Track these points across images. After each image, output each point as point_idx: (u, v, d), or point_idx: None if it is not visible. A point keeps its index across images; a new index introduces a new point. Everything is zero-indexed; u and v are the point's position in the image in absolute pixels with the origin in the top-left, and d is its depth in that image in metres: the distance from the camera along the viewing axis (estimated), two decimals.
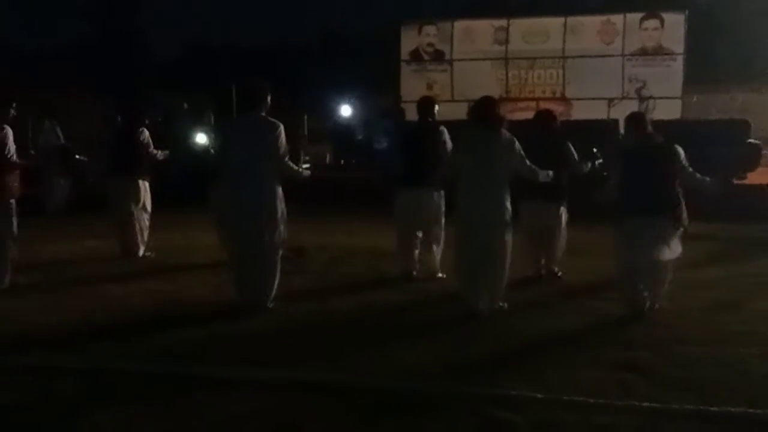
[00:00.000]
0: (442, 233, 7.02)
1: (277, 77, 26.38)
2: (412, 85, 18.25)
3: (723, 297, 6.47)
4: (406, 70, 18.50)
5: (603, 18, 17.43)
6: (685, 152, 6.66)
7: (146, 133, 8.44)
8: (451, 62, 18.13)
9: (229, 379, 4.45)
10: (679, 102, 16.64)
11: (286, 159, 6.00)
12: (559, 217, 7.09)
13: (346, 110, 21.79)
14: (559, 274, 7.26)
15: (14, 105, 6.73)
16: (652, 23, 16.96)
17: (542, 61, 17.61)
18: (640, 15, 17.08)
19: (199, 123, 11.62)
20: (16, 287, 6.75)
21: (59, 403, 4.21)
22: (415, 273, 7.09)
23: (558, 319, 5.78)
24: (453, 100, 17.22)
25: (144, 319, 5.82)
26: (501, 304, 5.91)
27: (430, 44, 18.39)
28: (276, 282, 6.01)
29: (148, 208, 8.44)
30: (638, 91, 17.00)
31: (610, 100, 16.75)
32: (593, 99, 16.29)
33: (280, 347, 5.10)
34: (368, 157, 13.49)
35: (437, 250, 7.10)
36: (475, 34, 18.13)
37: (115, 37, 22.05)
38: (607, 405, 4.06)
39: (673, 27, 16.84)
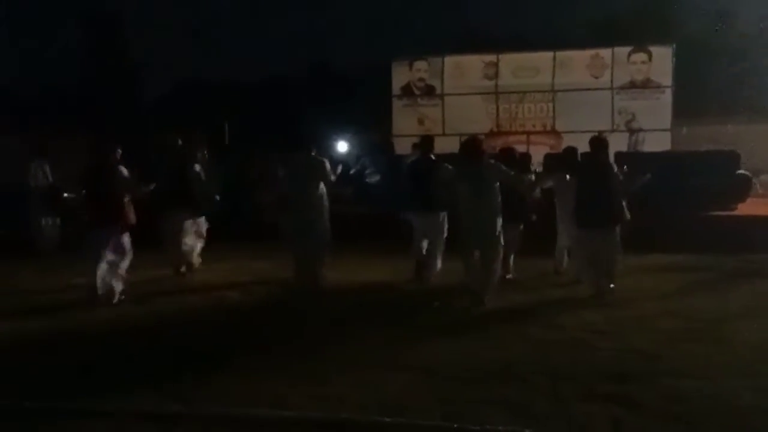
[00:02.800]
0: (443, 245, 8.69)
1: (271, 113, 26.61)
2: (403, 120, 18.41)
3: (713, 327, 6.47)
4: (397, 105, 18.63)
5: (592, 52, 17.61)
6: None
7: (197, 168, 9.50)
8: (442, 97, 18.27)
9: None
10: (668, 134, 16.75)
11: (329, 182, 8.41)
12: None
13: (342, 146, 21.92)
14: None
15: None
16: (640, 57, 17.13)
17: (532, 95, 17.74)
18: (628, 49, 17.26)
19: (194, 159, 11.58)
20: None
21: None
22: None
23: (548, 351, 5.77)
24: (444, 134, 17.32)
25: None
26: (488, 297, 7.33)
27: (421, 79, 18.55)
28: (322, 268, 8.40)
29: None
30: (628, 123, 17.12)
31: (600, 133, 16.75)
32: (583, 132, 16.31)
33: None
34: (360, 189, 13.55)
35: (440, 256, 8.73)
36: (465, 69, 18.30)
37: (105, 77, 22.21)
38: None
39: (661, 60, 17.02)
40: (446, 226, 8.68)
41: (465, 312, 7.24)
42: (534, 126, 17.69)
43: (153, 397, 4.82)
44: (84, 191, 8.15)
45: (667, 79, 16.93)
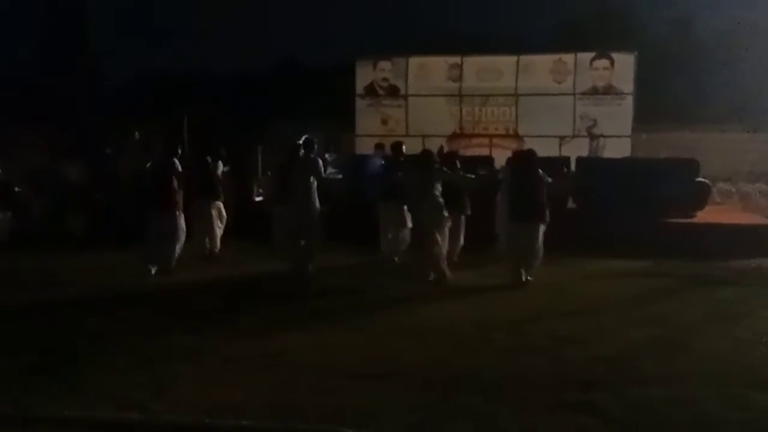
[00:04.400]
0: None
1: (232, 107, 26.15)
2: (367, 120, 18.25)
3: (675, 335, 6.45)
4: (361, 105, 18.44)
5: (555, 57, 17.62)
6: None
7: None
8: (405, 97, 18.14)
9: None
10: (628, 140, 16.85)
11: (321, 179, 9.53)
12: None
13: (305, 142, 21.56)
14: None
15: None
16: (603, 63, 17.21)
17: (495, 98, 17.69)
18: (591, 54, 17.31)
19: (150, 153, 11.62)
20: None
21: None
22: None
23: (514, 358, 5.66)
24: (408, 135, 17.19)
25: None
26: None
27: (384, 79, 18.38)
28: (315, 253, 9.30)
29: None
30: (589, 129, 17.18)
31: (562, 138, 16.90)
32: (545, 137, 16.39)
33: None
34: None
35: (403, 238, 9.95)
36: (429, 70, 18.19)
37: (62, 67, 21.59)
38: None
39: (623, 67, 17.10)
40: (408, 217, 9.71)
41: (430, 315, 7.13)
42: (497, 129, 17.64)
43: None
44: (153, 180, 9.50)
45: (628, 86, 17.01)
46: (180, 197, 9.47)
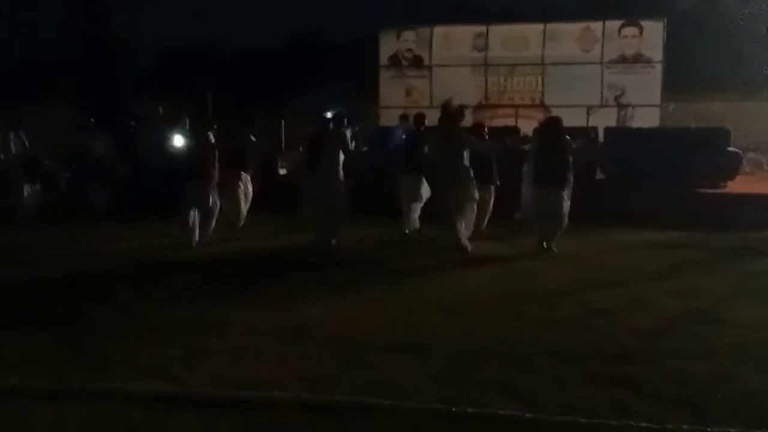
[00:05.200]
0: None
1: (255, 82, 26.06)
2: (390, 91, 18.14)
3: (710, 306, 6.32)
4: (384, 76, 18.33)
5: (582, 25, 17.34)
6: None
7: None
8: (430, 68, 17.99)
9: None
10: (657, 110, 16.63)
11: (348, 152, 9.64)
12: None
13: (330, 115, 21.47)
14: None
15: None
16: (631, 31, 16.90)
17: (521, 67, 17.52)
18: (619, 22, 17.02)
19: (176, 128, 11.71)
20: None
21: None
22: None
23: (546, 331, 5.57)
24: (432, 106, 16.97)
25: None
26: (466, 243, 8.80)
27: (409, 50, 18.23)
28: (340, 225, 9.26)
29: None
30: (617, 98, 16.96)
31: (589, 108, 16.67)
32: (572, 106, 16.16)
33: None
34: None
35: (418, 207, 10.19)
36: (454, 40, 18.00)
37: (87, 46, 21.60)
38: (601, 425, 3.85)
39: (652, 35, 16.80)
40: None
41: (458, 288, 7.05)
42: (523, 99, 17.51)
43: None
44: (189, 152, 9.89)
45: (657, 54, 16.74)
46: (215, 170, 9.63)
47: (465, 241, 8.82)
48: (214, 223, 9.75)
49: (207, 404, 4.17)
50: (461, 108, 9.38)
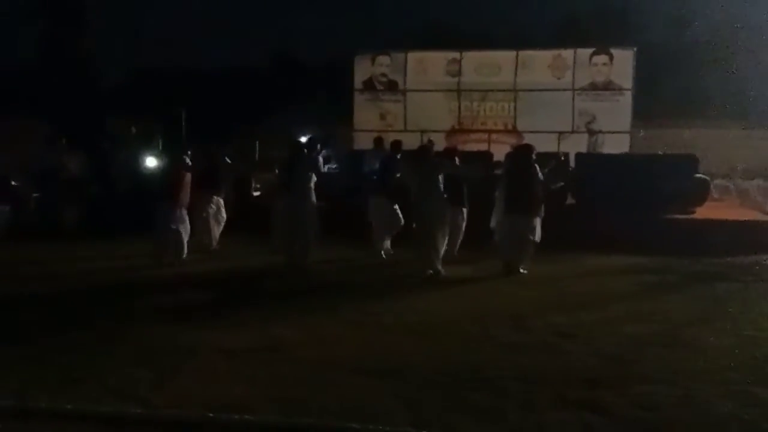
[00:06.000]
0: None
1: (230, 102, 26.05)
2: (365, 115, 18.20)
3: (677, 331, 6.39)
4: (359, 100, 18.39)
5: (554, 52, 17.59)
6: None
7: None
8: (404, 92, 18.09)
9: None
10: (627, 136, 16.85)
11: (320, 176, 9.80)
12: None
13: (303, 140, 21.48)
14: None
15: None
16: (602, 59, 17.17)
17: (494, 93, 17.64)
18: (590, 50, 17.28)
19: (148, 147, 11.64)
20: None
21: None
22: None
23: (517, 355, 5.61)
24: (406, 130, 17.17)
25: None
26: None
27: (383, 74, 18.32)
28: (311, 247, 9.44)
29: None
30: (588, 125, 17.16)
31: (560, 134, 16.88)
32: (544, 132, 16.36)
33: None
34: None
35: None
36: (428, 65, 18.15)
37: (59, 62, 21.43)
38: None
39: (622, 63, 17.07)
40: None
41: (430, 311, 7.07)
42: (495, 125, 17.64)
43: None
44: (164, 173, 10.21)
45: (627, 82, 17.00)
46: (187, 192, 9.68)
47: (438, 265, 8.88)
48: (185, 244, 9.72)
49: (175, 426, 4.14)
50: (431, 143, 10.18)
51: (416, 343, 5.90)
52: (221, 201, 10.97)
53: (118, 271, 9.05)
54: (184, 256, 9.66)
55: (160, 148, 12.97)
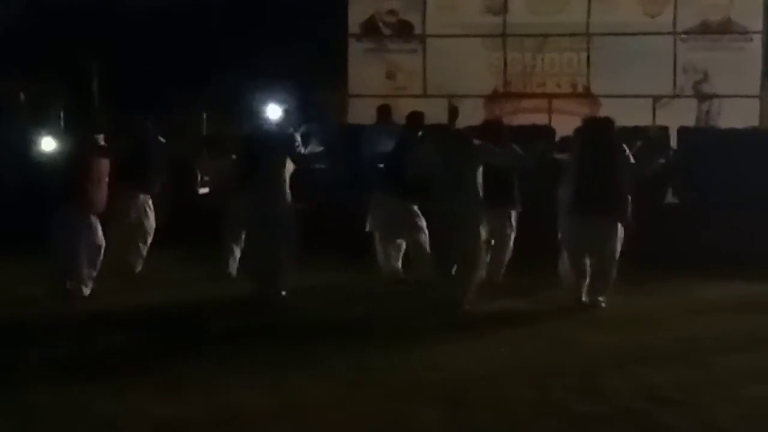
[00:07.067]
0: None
1: (165, 52, 26.04)
2: (365, 73, 18.19)
3: None
4: (356, 50, 18.38)
5: None
6: None
7: None
8: (423, 39, 18.10)
9: None
10: (756, 102, 16.79)
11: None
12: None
13: (273, 111, 21.26)
14: None
15: None
16: None
17: (557, 39, 17.66)
18: None
19: (44, 123, 11.68)
20: None
21: None
22: None
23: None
24: (425, 95, 17.20)
25: None
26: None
27: (391, 12, 18.32)
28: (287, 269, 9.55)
29: None
30: (697, 85, 17.14)
31: (656, 99, 16.86)
32: (631, 97, 16.34)
33: None
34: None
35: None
36: None
37: None
38: None
39: None
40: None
41: (457, 366, 7.08)
42: (559, 86, 17.67)
43: None
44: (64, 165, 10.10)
45: (756, 22, 16.95)
46: (102, 188, 9.66)
47: (471, 296, 8.91)
48: (97, 267, 9.75)
49: None
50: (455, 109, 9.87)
51: (436, 415, 5.88)
52: (149, 201, 10.97)
53: None
54: (91, 284, 9.67)
55: (62, 123, 13.02)
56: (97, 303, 9.28)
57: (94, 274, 9.72)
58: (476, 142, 9.16)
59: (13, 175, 11.84)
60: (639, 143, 10.02)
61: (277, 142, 9.61)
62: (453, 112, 9.95)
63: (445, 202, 8.97)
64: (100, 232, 9.72)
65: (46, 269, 9.61)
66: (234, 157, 10.86)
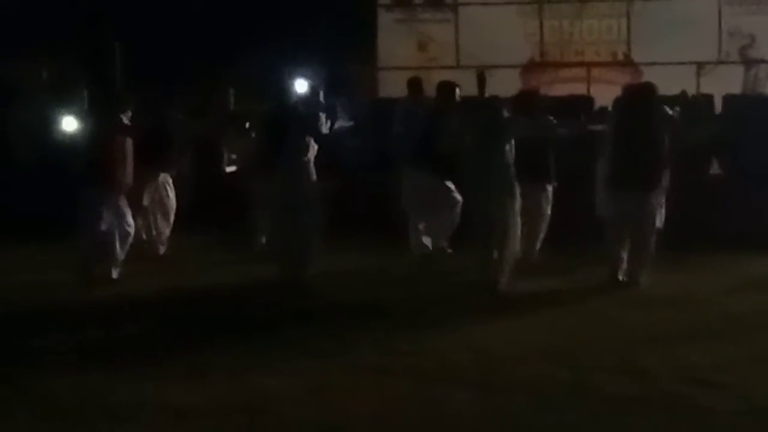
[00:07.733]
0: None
1: (189, 29, 26.13)
2: (395, 44, 18.19)
3: None
4: (386, 20, 18.38)
5: None
6: None
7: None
8: (455, 7, 18.06)
9: None
10: None
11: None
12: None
13: (300, 85, 21.29)
14: None
15: None
16: None
17: (596, 5, 17.59)
18: None
19: (67, 102, 11.72)
20: None
21: None
22: None
23: (629, 416, 5.60)
24: (458, 66, 17.14)
25: None
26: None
27: None
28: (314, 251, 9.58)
29: None
30: (743, 51, 17.00)
31: (700, 65, 16.74)
32: (674, 64, 16.23)
33: None
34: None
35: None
36: None
37: None
38: None
39: None
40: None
41: (492, 349, 7.05)
42: (598, 54, 17.61)
43: None
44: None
45: None
46: (128, 169, 9.73)
47: (504, 275, 8.90)
48: (125, 250, 9.83)
49: None
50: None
51: (469, 399, 5.88)
52: (169, 181, 11.09)
53: (19, 292, 9.20)
54: (119, 267, 9.77)
55: (85, 102, 13.07)
56: (122, 287, 9.36)
57: (123, 257, 9.78)
58: (506, 114, 9.14)
59: (33, 157, 11.88)
60: (677, 108, 10.05)
61: (301, 121, 9.55)
62: (481, 79, 9.69)
63: (476, 177, 9.00)
64: (129, 215, 9.80)
65: (72, 254, 9.69)
66: (258, 135, 10.86)
